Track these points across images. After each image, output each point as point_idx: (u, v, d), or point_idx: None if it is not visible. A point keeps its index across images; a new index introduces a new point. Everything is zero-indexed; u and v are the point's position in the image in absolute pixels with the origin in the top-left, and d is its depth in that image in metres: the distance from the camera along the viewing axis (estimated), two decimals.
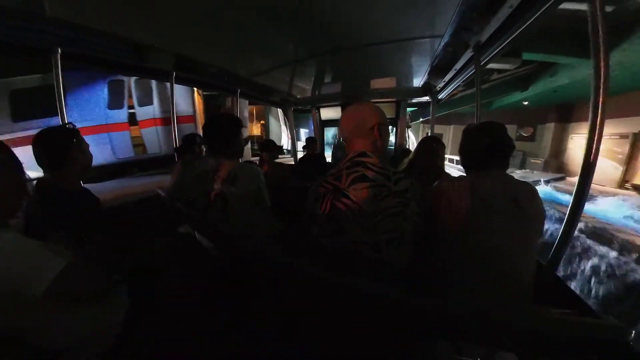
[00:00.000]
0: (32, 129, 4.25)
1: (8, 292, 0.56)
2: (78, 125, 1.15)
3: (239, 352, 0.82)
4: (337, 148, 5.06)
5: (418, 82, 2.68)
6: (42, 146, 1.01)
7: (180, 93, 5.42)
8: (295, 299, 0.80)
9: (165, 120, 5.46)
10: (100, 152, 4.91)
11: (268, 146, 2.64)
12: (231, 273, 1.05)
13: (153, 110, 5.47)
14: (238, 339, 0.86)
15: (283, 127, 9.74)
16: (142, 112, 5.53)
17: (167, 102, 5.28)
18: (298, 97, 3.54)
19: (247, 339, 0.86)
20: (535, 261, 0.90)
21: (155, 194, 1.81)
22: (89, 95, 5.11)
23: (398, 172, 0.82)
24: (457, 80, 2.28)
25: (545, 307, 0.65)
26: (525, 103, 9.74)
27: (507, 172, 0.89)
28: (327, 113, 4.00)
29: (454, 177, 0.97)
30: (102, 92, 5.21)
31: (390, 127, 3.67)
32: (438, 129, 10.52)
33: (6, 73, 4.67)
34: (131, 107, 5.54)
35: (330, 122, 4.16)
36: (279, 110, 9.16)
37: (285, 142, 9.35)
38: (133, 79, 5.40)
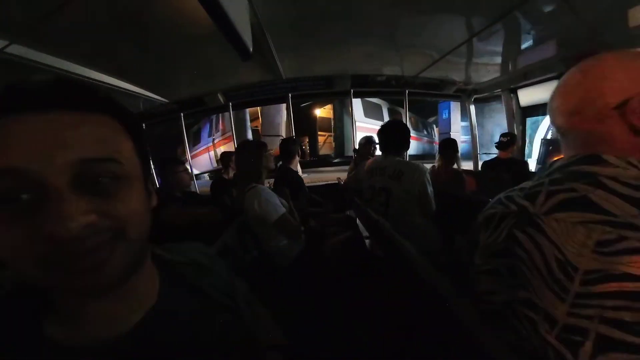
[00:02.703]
0: (199, 148, 8.53)
1: (262, 218, 1.13)
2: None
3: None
4: (546, 146, 3.54)
5: None
6: (284, 147, 1.90)
7: (225, 115, 7.51)
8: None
9: (225, 140, 7.82)
10: (205, 163, 8.49)
11: (447, 146, 2.26)
12: (371, 263, 1.25)
13: (219, 134, 8.07)
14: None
15: (362, 125, 7.61)
16: (217, 135, 8.27)
17: (226, 128, 7.49)
18: (480, 81, 2.88)
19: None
20: None
21: (336, 182, 2.64)
22: (205, 130, 8.80)
23: None
24: None
25: None
26: None
27: None
28: (531, 95, 2.87)
29: None
30: (207, 127, 8.56)
31: None
32: None
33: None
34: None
35: (536, 109, 2.96)
36: (354, 107, 7.62)
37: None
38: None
